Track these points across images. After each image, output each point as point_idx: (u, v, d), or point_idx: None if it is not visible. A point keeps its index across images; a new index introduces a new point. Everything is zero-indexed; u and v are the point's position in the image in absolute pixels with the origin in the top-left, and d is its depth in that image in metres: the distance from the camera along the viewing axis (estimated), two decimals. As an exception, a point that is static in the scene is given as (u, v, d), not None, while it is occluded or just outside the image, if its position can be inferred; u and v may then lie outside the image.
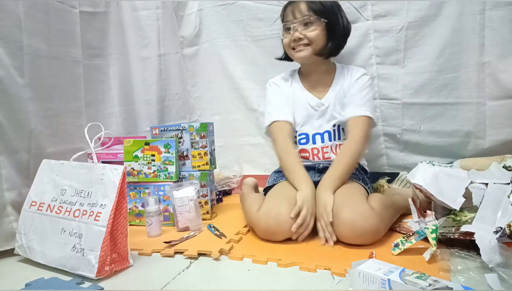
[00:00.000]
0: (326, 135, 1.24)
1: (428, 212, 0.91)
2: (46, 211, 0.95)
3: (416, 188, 0.99)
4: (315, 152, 1.24)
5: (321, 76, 1.26)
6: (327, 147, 1.23)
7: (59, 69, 1.20)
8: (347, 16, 1.25)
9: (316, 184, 1.20)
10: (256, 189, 1.40)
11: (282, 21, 1.24)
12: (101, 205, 0.88)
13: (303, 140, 1.26)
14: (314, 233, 1.07)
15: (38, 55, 1.10)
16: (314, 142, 1.24)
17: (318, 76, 1.26)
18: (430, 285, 0.64)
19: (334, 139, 1.23)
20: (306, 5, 1.15)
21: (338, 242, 0.98)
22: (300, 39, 1.17)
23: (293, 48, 1.20)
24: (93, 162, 0.94)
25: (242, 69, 1.61)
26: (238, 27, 1.58)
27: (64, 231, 0.90)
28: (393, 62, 1.35)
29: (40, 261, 0.91)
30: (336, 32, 1.19)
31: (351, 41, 1.36)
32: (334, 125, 1.23)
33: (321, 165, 1.22)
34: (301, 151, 1.26)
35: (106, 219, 0.86)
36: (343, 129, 1.23)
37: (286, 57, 1.32)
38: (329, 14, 1.16)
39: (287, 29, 1.20)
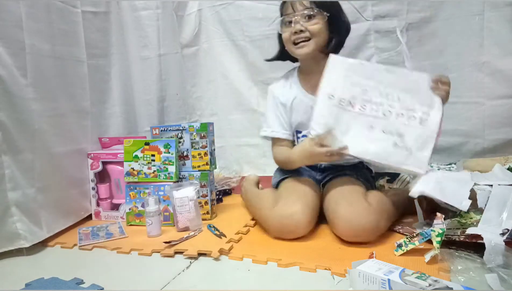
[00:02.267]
0: None
1: (439, 214, 0.91)
2: (348, 106, 0.98)
3: None
4: None
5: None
6: None
7: (63, 69, 1.20)
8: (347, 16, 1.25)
9: (318, 182, 1.20)
10: (257, 186, 1.41)
11: (282, 15, 1.17)
12: (423, 112, 0.94)
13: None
14: (314, 233, 1.07)
15: (41, 55, 1.10)
16: None
17: (319, 75, 1.10)
18: (430, 285, 0.64)
19: None
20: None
21: (338, 241, 0.98)
22: (301, 31, 1.09)
23: (294, 44, 1.12)
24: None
25: (240, 69, 1.61)
26: (237, 27, 1.58)
27: (373, 128, 0.95)
28: (393, 63, 1.35)
29: (349, 152, 0.96)
30: (339, 27, 1.13)
31: (351, 41, 1.36)
32: None
33: (322, 165, 1.21)
34: None
35: (435, 124, 0.93)
36: None
37: (280, 56, 1.24)
38: (331, 8, 1.10)
39: (287, 23, 1.12)
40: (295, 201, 1.03)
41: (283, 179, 1.20)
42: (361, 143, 0.96)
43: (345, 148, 0.98)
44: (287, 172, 1.21)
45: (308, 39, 1.10)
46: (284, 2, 1.15)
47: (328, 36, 1.12)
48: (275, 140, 1.23)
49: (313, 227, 1.05)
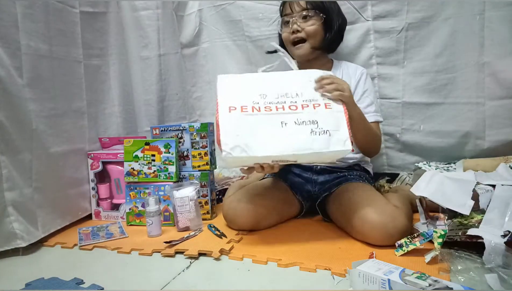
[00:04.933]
0: None
1: (441, 215, 0.90)
2: (252, 111, 0.93)
3: None
4: None
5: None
6: None
7: (61, 69, 1.20)
8: (346, 16, 1.26)
9: (314, 183, 1.20)
10: None
11: (281, 16, 1.24)
12: (325, 101, 0.95)
13: None
14: (313, 233, 1.07)
15: (38, 55, 1.10)
16: None
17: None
18: (430, 285, 0.64)
19: None
20: (305, 1, 1.17)
21: (338, 241, 0.98)
22: (298, 31, 1.17)
23: (293, 44, 1.20)
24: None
25: (241, 69, 1.61)
26: (237, 27, 1.57)
27: (285, 123, 0.92)
28: (393, 63, 1.35)
29: (264, 154, 0.89)
30: (333, 27, 1.19)
31: (351, 41, 1.37)
32: None
33: (318, 167, 1.21)
34: None
35: (339, 106, 0.95)
36: None
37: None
38: (327, 9, 1.18)
39: (286, 23, 1.21)
40: (243, 198, 1.12)
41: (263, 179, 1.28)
42: (280, 142, 0.90)
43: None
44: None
45: (304, 41, 1.18)
46: (284, 3, 1.23)
47: (324, 34, 1.19)
48: None
49: (262, 227, 1.11)
